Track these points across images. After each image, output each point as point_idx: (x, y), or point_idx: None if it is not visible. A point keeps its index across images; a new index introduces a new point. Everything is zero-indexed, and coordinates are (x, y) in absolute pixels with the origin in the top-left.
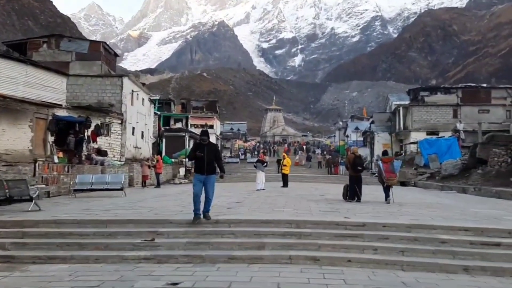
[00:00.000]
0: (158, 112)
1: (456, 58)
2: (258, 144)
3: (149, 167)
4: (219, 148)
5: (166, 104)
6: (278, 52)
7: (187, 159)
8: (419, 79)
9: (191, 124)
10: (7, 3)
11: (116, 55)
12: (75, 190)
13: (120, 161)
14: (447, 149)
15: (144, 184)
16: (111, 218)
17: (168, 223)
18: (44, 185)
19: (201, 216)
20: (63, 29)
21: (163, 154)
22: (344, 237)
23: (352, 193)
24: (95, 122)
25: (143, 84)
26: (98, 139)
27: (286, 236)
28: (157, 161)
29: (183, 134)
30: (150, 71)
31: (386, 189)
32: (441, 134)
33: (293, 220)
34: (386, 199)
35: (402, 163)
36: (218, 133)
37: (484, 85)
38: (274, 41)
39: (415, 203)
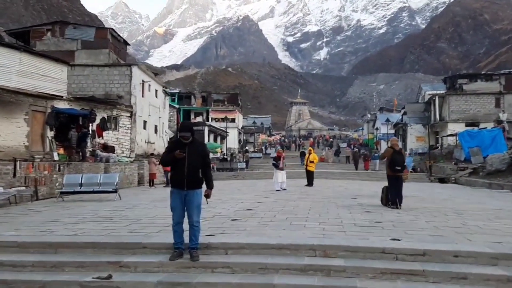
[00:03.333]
0: (177, 106)
1: (487, 48)
2: (282, 138)
3: (155, 164)
4: (209, 152)
5: (186, 98)
6: (303, 45)
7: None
8: (449, 71)
9: (212, 118)
10: (37, 3)
11: (126, 43)
12: (63, 193)
13: (129, 157)
14: (491, 142)
15: (151, 183)
16: (65, 241)
17: (141, 248)
18: (24, 187)
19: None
20: None
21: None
22: (396, 275)
23: (394, 197)
24: (101, 115)
25: (159, 76)
26: (104, 133)
27: (308, 272)
28: None
29: (202, 127)
30: (176, 67)
31: None
32: (482, 126)
33: (319, 246)
34: None
35: (412, 160)
36: (240, 127)
37: None
38: (299, 34)
39: (475, 210)
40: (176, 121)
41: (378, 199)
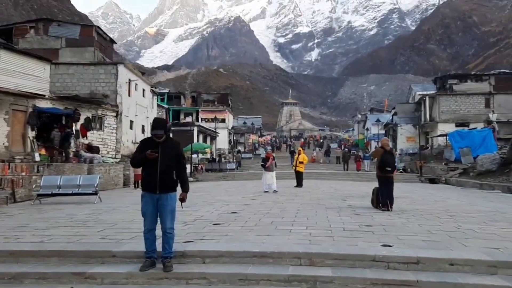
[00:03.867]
0: (166, 106)
1: (476, 49)
2: (273, 138)
3: None
4: (183, 152)
5: (175, 98)
6: (294, 46)
7: (196, 154)
8: (438, 72)
9: (201, 118)
10: (26, 3)
11: (112, 41)
12: (40, 195)
13: (115, 158)
14: (482, 142)
15: (136, 185)
16: (28, 249)
17: (110, 257)
18: None
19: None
20: None
21: None
22: (388, 286)
23: (385, 199)
24: (85, 114)
25: (141, 74)
26: (89, 134)
27: (292, 283)
28: None
29: (191, 128)
30: (166, 68)
31: None
32: (472, 126)
33: (305, 253)
34: None
35: (398, 159)
36: (230, 127)
37: None
38: (290, 35)
39: (469, 212)
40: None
41: (369, 201)
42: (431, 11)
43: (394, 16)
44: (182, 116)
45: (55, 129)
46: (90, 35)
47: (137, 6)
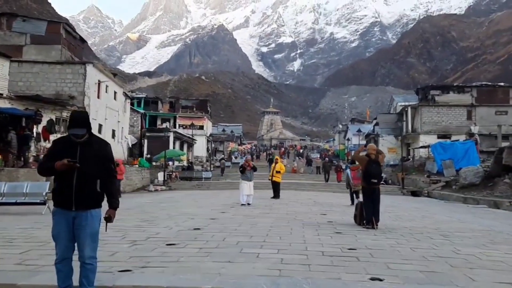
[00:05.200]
0: (142, 110)
1: (454, 64)
2: (254, 147)
3: None
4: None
5: (153, 103)
6: (277, 56)
7: (172, 162)
8: (418, 85)
9: (179, 125)
10: (5, 4)
11: (82, 40)
12: None
13: None
14: (464, 154)
15: None
16: None
17: None
18: None
19: None
20: None
21: (145, 156)
22: None
23: (370, 216)
24: (48, 116)
25: (113, 74)
26: (52, 137)
27: None
28: (117, 165)
29: (167, 134)
30: (148, 74)
31: (354, 194)
32: (453, 138)
33: None
34: (352, 203)
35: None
36: (208, 134)
37: (502, 84)
38: (273, 45)
39: (463, 231)
40: (140, 127)
41: (351, 216)
42: (412, 25)
43: (376, 29)
44: (159, 122)
45: (11, 131)
46: (57, 32)
47: (120, 12)
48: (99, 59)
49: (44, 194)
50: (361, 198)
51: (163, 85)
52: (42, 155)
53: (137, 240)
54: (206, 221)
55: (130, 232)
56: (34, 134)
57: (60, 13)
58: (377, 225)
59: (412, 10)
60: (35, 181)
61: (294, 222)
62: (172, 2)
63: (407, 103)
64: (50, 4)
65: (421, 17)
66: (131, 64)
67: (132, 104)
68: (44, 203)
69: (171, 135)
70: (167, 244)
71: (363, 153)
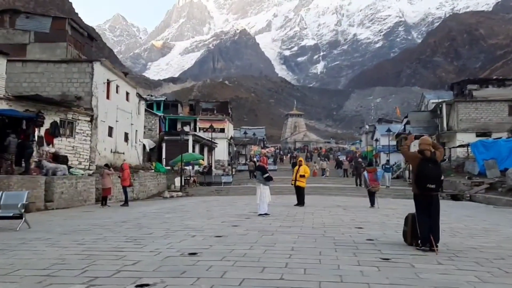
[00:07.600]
0: (160, 113)
1: (483, 62)
2: (277, 150)
3: (110, 176)
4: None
5: (172, 106)
6: (300, 59)
7: (191, 166)
8: (445, 85)
9: (199, 128)
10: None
11: (91, 38)
12: None
13: (88, 169)
14: (509, 153)
15: (103, 202)
16: None
17: None
18: None
19: None
20: None
21: (164, 160)
22: None
23: (427, 233)
24: (52, 118)
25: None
26: (56, 140)
27: None
28: (123, 169)
29: (184, 137)
30: (172, 80)
31: (371, 196)
32: (494, 136)
33: None
34: (372, 205)
35: (383, 173)
36: (229, 138)
37: None
38: (296, 48)
39: None
40: (158, 130)
41: (393, 229)
42: (437, 24)
43: (400, 29)
44: (179, 125)
45: (10, 135)
46: (62, 28)
47: (144, 19)
48: (125, 66)
49: (19, 206)
50: (413, 208)
51: (187, 91)
52: (43, 161)
53: (99, 277)
54: (209, 241)
55: (100, 260)
56: (36, 137)
57: (86, 23)
58: (437, 246)
59: (437, 8)
60: (31, 189)
61: (323, 240)
62: (195, 9)
63: (439, 100)
64: (77, 14)
65: (447, 15)
66: (156, 71)
67: (151, 107)
68: (20, 217)
69: (190, 138)
70: (136, 286)
71: (409, 146)
